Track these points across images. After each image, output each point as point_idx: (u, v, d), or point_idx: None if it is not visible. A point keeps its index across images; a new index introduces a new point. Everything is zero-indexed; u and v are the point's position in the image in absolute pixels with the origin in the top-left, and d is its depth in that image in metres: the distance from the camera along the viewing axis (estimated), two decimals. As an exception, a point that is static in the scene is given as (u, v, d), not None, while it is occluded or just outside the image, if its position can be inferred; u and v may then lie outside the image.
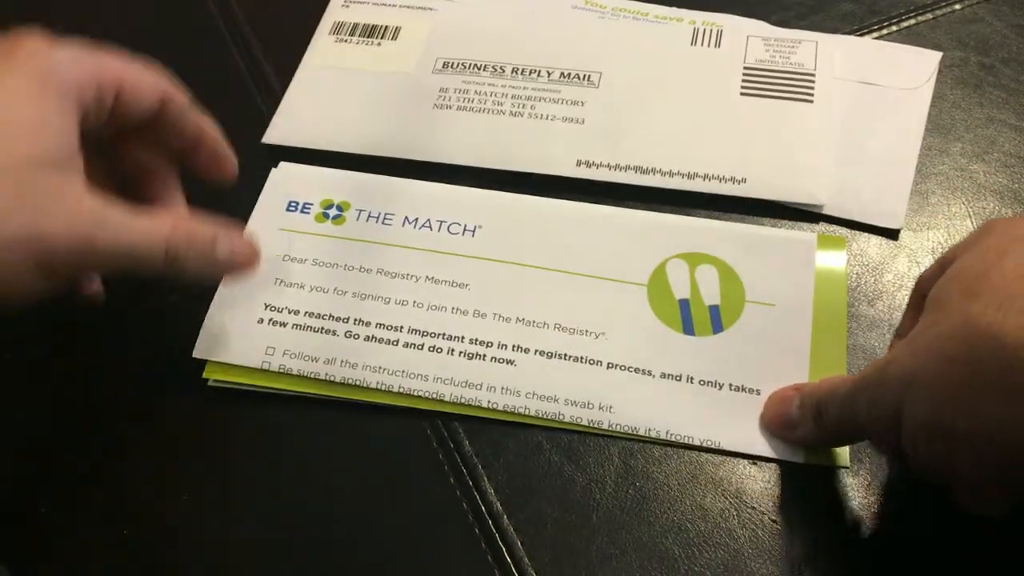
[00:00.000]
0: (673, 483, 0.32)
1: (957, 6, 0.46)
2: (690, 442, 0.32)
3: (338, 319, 0.35)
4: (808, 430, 0.31)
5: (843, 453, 0.32)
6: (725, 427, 0.33)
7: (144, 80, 0.31)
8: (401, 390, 0.33)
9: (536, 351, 0.34)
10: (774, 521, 0.31)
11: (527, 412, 0.33)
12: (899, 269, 0.37)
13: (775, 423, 0.32)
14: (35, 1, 0.46)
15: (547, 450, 0.32)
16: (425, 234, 0.37)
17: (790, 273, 0.36)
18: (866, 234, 0.38)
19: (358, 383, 0.34)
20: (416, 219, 0.38)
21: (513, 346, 0.35)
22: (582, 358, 0.34)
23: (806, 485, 0.32)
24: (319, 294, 0.36)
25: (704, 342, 0.34)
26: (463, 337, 0.35)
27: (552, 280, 0.36)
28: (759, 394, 0.33)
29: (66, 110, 0.28)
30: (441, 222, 0.38)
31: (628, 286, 0.36)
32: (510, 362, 0.34)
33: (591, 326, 0.35)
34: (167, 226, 0.30)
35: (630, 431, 0.33)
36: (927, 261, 0.37)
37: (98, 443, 0.33)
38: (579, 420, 0.33)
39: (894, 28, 0.45)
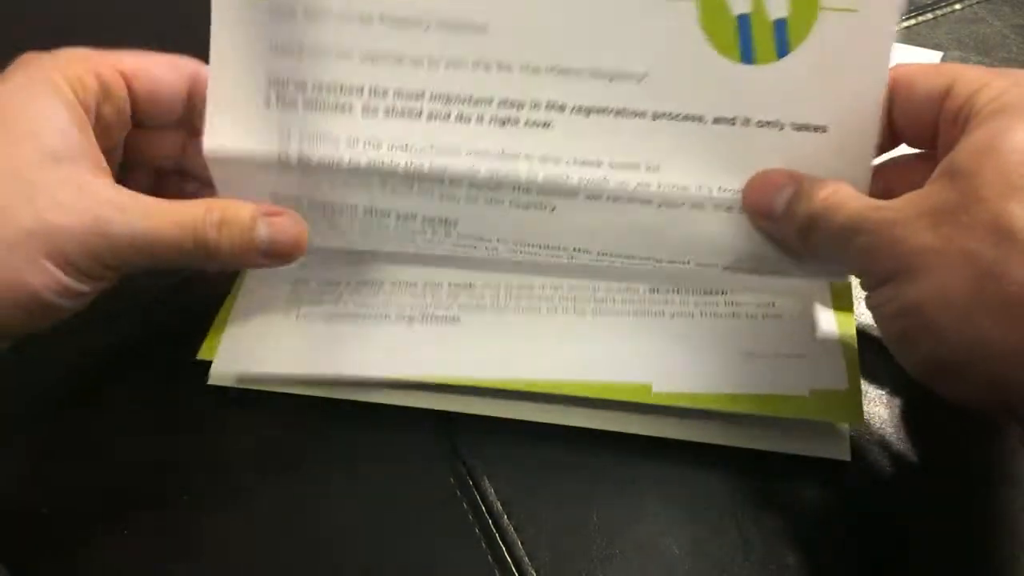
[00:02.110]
0: (675, 481, 0.32)
1: (957, 6, 0.46)
2: (741, 199, 0.30)
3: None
4: (789, 235, 0.29)
5: (844, 447, 0.32)
6: None
7: (159, 67, 0.31)
8: (433, 165, 0.30)
9: (573, 108, 0.30)
10: (773, 519, 0.31)
11: (569, 181, 0.30)
12: (899, 269, 0.37)
13: (756, 207, 0.30)
14: (35, 2, 0.46)
15: (548, 449, 0.32)
16: None
17: None
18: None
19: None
20: None
21: (548, 104, 0.30)
22: (624, 110, 0.30)
23: (805, 480, 0.32)
24: None
25: (765, 72, 0.29)
26: (491, 100, 0.31)
27: (582, 5, 0.29)
28: (826, 132, 0.29)
29: (64, 106, 0.28)
30: None
31: (675, 4, 0.29)
32: (546, 125, 0.31)
33: (633, 65, 0.30)
34: (198, 209, 0.29)
35: (680, 191, 0.30)
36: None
37: (98, 443, 0.33)
38: (626, 185, 0.30)
39: (894, 28, 0.45)
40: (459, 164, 0.30)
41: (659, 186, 0.30)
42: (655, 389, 0.32)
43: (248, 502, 0.32)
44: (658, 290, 0.34)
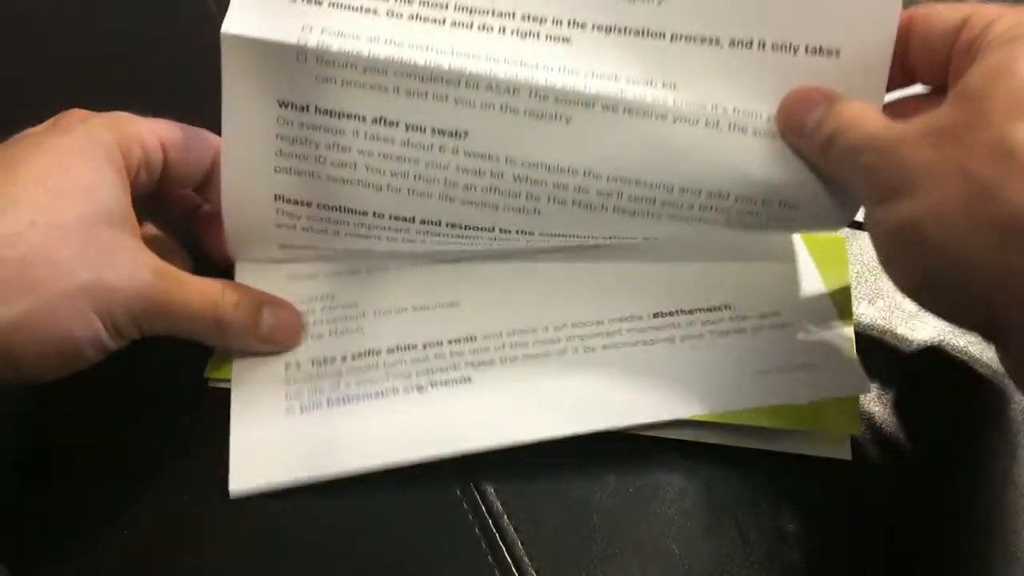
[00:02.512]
0: (675, 481, 0.32)
1: (957, 6, 0.46)
2: (758, 118, 0.31)
3: None
4: (811, 149, 0.30)
5: (844, 447, 0.32)
6: None
7: (192, 140, 0.33)
8: (453, 65, 0.30)
9: (594, 26, 0.31)
10: (773, 519, 0.31)
11: (587, 90, 0.30)
12: (899, 269, 0.37)
13: (789, 122, 0.30)
14: (35, 3, 0.46)
15: (549, 450, 0.32)
16: None
17: None
18: (866, 234, 0.38)
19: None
20: None
21: (569, 21, 0.31)
22: (644, 31, 0.31)
23: (805, 480, 0.32)
24: None
25: None
26: (513, 14, 0.31)
27: None
28: (839, 56, 0.30)
29: (114, 170, 0.30)
30: None
31: None
32: (566, 40, 0.31)
33: None
34: (217, 287, 0.32)
35: (696, 107, 0.31)
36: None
37: (98, 443, 0.33)
38: (643, 98, 0.30)
39: None
40: (478, 66, 0.30)
41: (675, 102, 0.31)
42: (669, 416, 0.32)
43: (249, 502, 0.32)
44: (662, 314, 0.34)
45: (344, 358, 0.33)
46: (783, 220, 0.32)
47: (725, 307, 0.34)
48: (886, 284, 0.37)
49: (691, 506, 0.31)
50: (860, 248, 0.37)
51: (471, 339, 0.34)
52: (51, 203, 0.28)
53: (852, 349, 0.33)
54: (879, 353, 0.35)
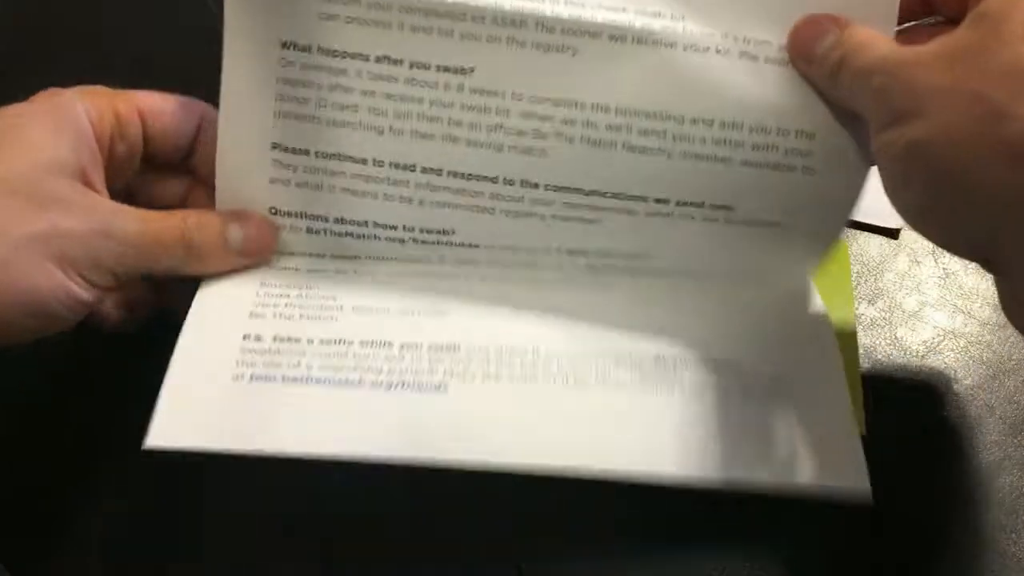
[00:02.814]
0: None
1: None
2: (770, 47, 0.30)
3: None
4: (821, 76, 0.29)
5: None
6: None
7: (172, 107, 0.32)
8: (455, 4, 0.30)
9: None
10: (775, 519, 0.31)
11: (594, 20, 0.30)
12: (899, 269, 0.37)
13: (799, 48, 0.30)
14: (35, 3, 0.46)
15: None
16: None
17: None
18: (866, 234, 0.38)
19: None
20: None
21: None
22: None
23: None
24: None
25: None
26: None
27: None
28: None
29: (75, 133, 0.30)
30: None
31: None
32: None
33: None
34: (178, 214, 0.31)
35: (706, 36, 0.30)
36: (927, 261, 0.37)
37: (99, 443, 0.33)
38: (650, 26, 0.30)
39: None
40: (484, 1, 0.30)
41: (684, 31, 0.30)
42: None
43: (247, 503, 0.32)
44: (663, 359, 0.31)
45: (311, 340, 0.30)
46: (801, 155, 0.31)
47: (732, 362, 0.31)
48: (886, 284, 0.37)
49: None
50: (860, 248, 0.37)
51: (454, 348, 0.31)
52: None
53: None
54: (879, 353, 0.35)
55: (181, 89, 0.33)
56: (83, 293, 0.28)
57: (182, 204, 0.34)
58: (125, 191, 0.33)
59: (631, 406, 0.30)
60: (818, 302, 0.33)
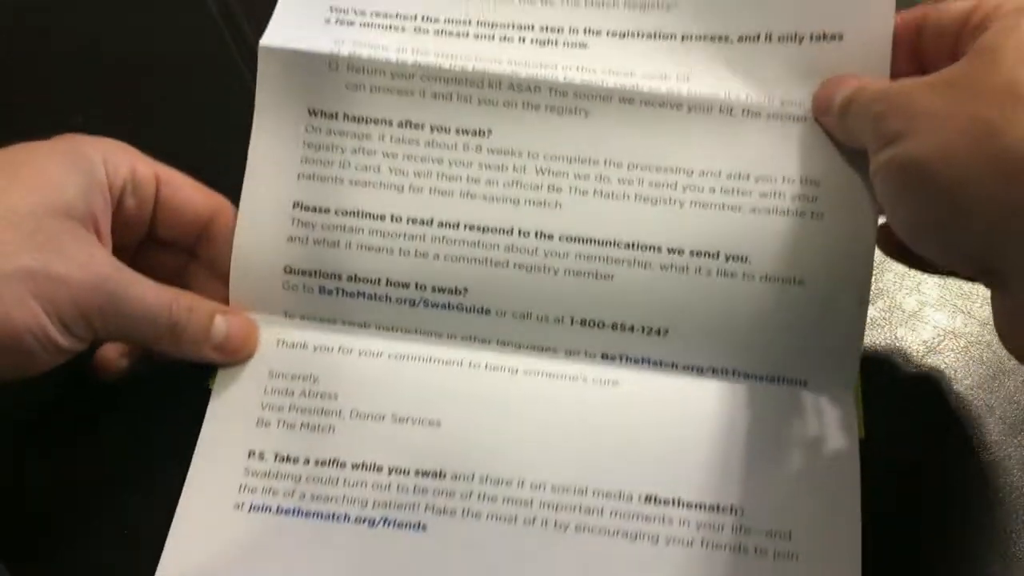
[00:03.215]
0: None
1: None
2: (771, 102, 0.32)
3: None
4: (832, 120, 0.31)
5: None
6: (806, 87, 0.32)
7: (190, 185, 0.33)
8: (476, 67, 0.33)
9: (609, 32, 0.33)
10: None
11: (604, 84, 0.32)
12: (899, 269, 0.37)
13: (818, 99, 0.31)
14: (35, 3, 0.46)
15: None
16: None
17: None
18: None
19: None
20: None
21: (585, 29, 0.34)
22: (656, 34, 0.33)
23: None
24: None
25: None
26: (532, 26, 0.34)
27: None
28: (842, 40, 0.32)
29: (89, 177, 0.30)
30: None
31: None
32: (583, 45, 0.33)
33: None
34: (172, 291, 0.31)
35: (710, 97, 0.32)
36: (927, 261, 0.37)
37: (99, 444, 0.33)
38: (658, 89, 0.32)
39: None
40: (500, 68, 0.33)
41: (689, 92, 0.32)
42: None
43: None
44: (655, 499, 0.30)
45: (308, 460, 0.31)
46: (808, 200, 0.31)
47: (732, 510, 0.30)
48: (886, 284, 0.37)
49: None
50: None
51: (440, 475, 0.31)
52: (6, 187, 0.28)
53: None
54: (879, 354, 0.35)
55: (181, 90, 0.33)
56: (60, 338, 0.28)
57: (177, 281, 0.33)
58: (126, 252, 0.33)
59: (607, 558, 0.29)
60: (852, 451, 0.30)
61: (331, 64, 0.33)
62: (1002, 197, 0.23)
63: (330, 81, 0.33)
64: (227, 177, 0.34)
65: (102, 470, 0.33)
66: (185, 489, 0.31)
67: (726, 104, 0.32)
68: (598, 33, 0.33)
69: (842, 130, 0.30)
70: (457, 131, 0.33)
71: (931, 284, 0.37)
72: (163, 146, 0.34)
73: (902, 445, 0.33)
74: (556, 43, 0.33)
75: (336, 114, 0.33)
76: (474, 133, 0.33)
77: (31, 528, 0.31)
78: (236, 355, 0.33)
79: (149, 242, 0.34)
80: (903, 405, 0.34)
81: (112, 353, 0.33)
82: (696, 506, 0.30)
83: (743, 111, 0.32)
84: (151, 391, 0.34)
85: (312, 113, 0.33)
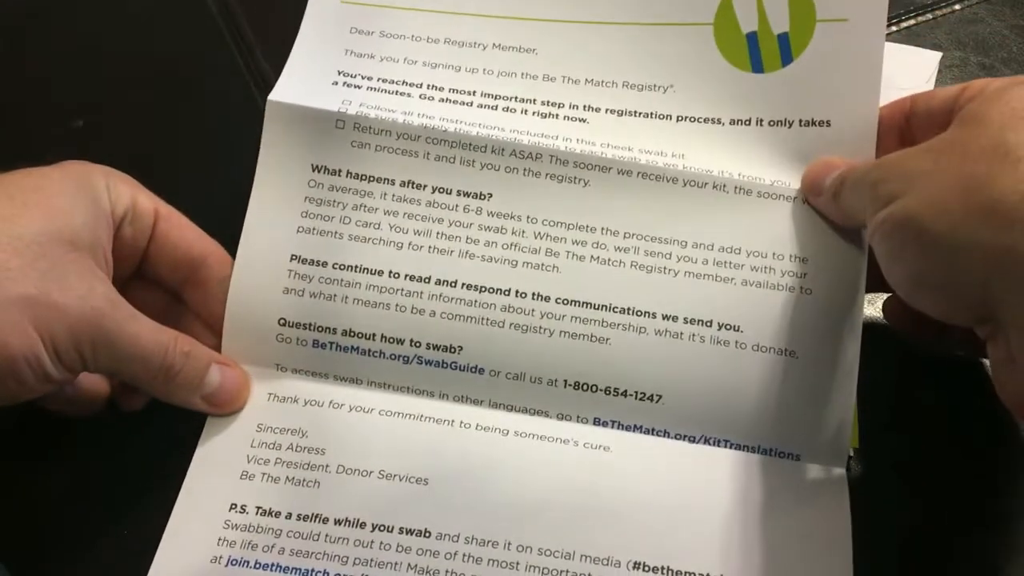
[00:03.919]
0: None
1: (957, 6, 0.46)
2: (761, 182, 0.33)
3: None
4: (826, 200, 0.32)
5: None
6: (796, 168, 0.33)
7: (186, 225, 0.33)
8: (480, 133, 0.34)
9: (607, 109, 0.35)
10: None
11: (604, 155, 0.34)
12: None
13: (807, 182, 0.33)
14: (34, 4, 0.46)
15: None
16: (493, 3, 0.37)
17: None
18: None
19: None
20: None
21: (584, 106, 0.35)
22: (652, 113, 0.35)
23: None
24: None
25: (773, 78, 0.34)
26: (535, 99, 0.35)
27: (617, 35, 0.36)
28: (830, 126, 0.34)
29: (94, 204, 0.30)
30: None
31: (694, 28, 0.35)
32: (583, 120, 0.35)
33: (659, 79, 0.35)
34: (170, 333, 0.31)
35: (704, 173, 0.33)
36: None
37: (99, 443, 0.33)
38: (655, 163, 0.34)
39: (893, 29, 0.45)
40: (503, 135, 0.34)
41: (684, 167, 0.33)
42: None
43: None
44: (644, 567, 0.30)
45: (290, 515, 0.31)
46: (797, 276, 0.33)
47: None
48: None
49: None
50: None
51: (424, 534, 0.30)
52: (15, 214, 0.28)
53: None
54: (879, 354, 0.35)
55: (182, 90, 0.33)
56: (51, 367, 0.28)
57: (161, 321, 0.32)
58: (116, 285, 0.32)
59: None
60: (845, 526, 0.31)
61: (338, 122, 0.34)
62: (994, 243, 0.24)
63: (336, 139, 0.34)
64: (228, 176, 0.35)
65: (102, 470, 0.33)
66: (165, 537, 0.30)
67: (719, 181, 0.33)
68: (597, 109, 0.35)
69: (835, 209, 0.32)
70: (459, 193, 0.34)
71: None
72: (163, 146, 0.35)
73: (901, 445, 0.33)
74: (557, 116, 0.35)
75: (340, 171, 0.34)
76: (475, 196, 0.34)
77: (31, 528, 0.31)
78: (225, 408, 0.33)
79: (137, 279, 0.34)
80: (903, 405, 0.34)
81: (86, 387, 0.32)
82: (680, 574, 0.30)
83: (735, 188, 0.33)
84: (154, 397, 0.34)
85: (316, 169, 0.34)
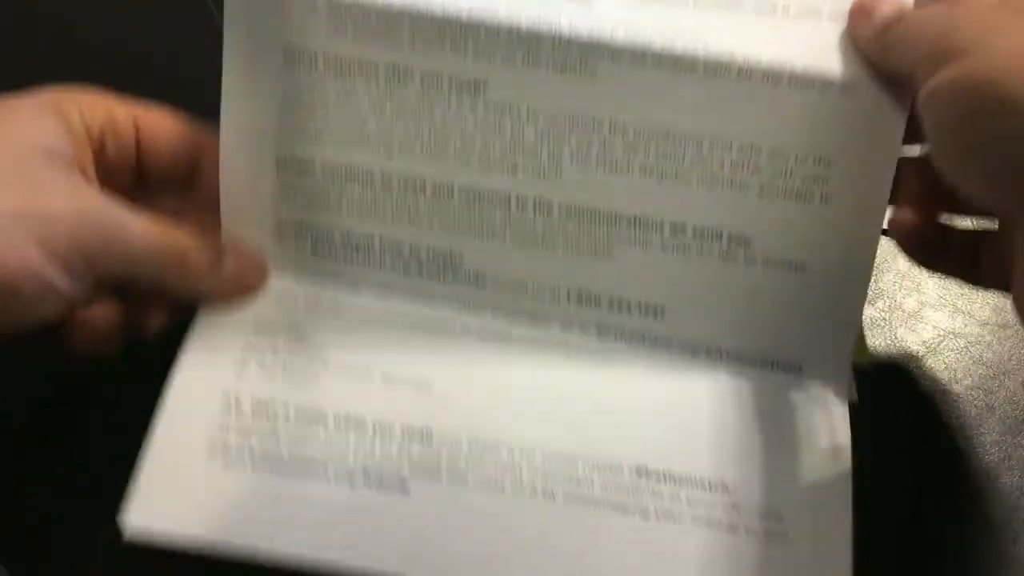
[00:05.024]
0: None
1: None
2: (792, 70, 0.29)
3: None
4: (871, 35, 0.28)
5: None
6: (834, 59, 0.29)
7: (170, 124, 0.32)
8: (470, 16, 0.29)
9: None
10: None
11: (614, 38, 0.29)
12: (899, 269, 0.37)
13: (857, 10, 0.29)
14: (33, 2, 0.46)
15: None
16: None
17: None
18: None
19: None
20: None
21: None
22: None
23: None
24: None
25: None
26: None
27: None
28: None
29: (65, 122, 0.29)
30: None
31: None
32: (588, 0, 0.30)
33: None
34: (174, 225, 0.30)
35: (728, 61, 0.29)
36: (927, 261, 0.37)
37: (99, 443, 0.33)
38: (671, 48, 0.29)
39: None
40: (499, 16, 0.29)
41: (704, 54, 0.29)
42: None
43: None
44: (647, 472, 0.29)
45: (287, 412, 0.30)
46: (818, 182, 0.30)
47: (723, 488, 0.29)
48: (886, 284, 0.37)
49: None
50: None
51: (426, 436, 0.30)
52: None
53: None
54: (879, 354, 0.35)
55: (181, 89, 0.33)
56: (59, 282, 0.27)
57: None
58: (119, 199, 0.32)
59: (595, 530, 0.29)
60: (844, 437, 0.30)
61: (309, 3, 0.30)
62: None
63: (309, 22, 0.30)
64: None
65: (103, 470, 0.33)
66: (154, 433, 0.29)
67: (744, 70, 0.29)
68: None
69: (877, 48, 0.28)
70: (451, 81, 0.30)
71: (931, 284, 0.37)
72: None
73: (901, 445, 0.33)
74: None
75: (315, 58, 0.30)
76: (469, 86, 0.30)
77: (31, 528, 0.31)
78: (246, 291, 0.32)
79: (141, 187, 0.32)
80: (903, 405, 0.34)
81: (99, 315, 0.31)
82: (687, 481, 0.29)
83: (763, 76, 0.29)
84: (154, 395, 0.34)
85: (289, 56, 0.30)
